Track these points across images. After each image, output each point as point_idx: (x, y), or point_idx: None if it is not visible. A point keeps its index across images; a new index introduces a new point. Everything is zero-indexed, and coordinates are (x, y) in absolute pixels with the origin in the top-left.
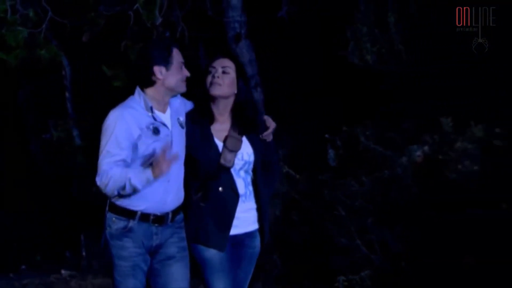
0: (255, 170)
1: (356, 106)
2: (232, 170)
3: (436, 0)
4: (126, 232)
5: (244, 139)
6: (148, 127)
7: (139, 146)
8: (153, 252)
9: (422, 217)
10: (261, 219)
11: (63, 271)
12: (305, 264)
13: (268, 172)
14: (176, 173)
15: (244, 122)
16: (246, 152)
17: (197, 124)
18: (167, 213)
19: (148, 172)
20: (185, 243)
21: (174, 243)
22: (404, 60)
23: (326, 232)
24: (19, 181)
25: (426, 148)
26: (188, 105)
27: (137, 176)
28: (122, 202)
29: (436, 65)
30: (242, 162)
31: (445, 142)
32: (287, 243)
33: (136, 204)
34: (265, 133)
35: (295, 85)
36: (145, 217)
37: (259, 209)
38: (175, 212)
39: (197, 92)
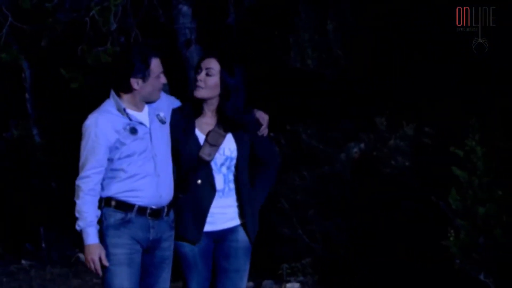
0: (237, 167)
1: (298, 107)
2: (212, 165)
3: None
4: (124, 223)
5: (229, 135)
6: (125, 128)
7: (119, 147)
8: (149, 248)
9: (359, 208)
10: (242, 215)
11: (23, 261)
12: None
13: (263, 169)
14: (164, 167)
15: (228, 122)
16: (228, 147)
17: (184, 117)
18: (163, 207)
19: (87, 239)
20: (173, 246)
21: (169, 247)
22: (342, 64)
23: (270, 223)
24: None
25: (362, 145)
26: (176, 103)
27: (82, 227)
28: (121, 197)
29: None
30: (223, 157)
31: (380, 140)
32: None
33: (134, 199)
34: (261, 130)
35: None
36: (142, 210)
37: (240, 206)
38: (170, 206)
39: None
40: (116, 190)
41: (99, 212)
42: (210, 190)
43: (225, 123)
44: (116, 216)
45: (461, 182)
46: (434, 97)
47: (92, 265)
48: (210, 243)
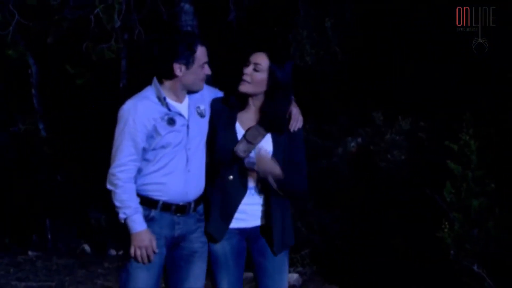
0: None
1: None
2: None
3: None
4: (147, 221)
5: (268, 136)
6: (162, 118)
7: (155, 136)
8: (174, 244)
9: (356, 201)
10: (269, 217)
11: (30, 252)
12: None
13: (290, 171)
14: (197, 162)
15: (269, 121)
16: (264, 148)
17: (227, 108)
18: (189, 203)
19: (134, 226)
20: (205, 238)
21: (198, 238)
22: (340, 60)
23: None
24: None
25: (359, 139)
26: (218, 95)
27: (128, 215)
28: (143, 192)
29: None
30: None
31: (377, 134)
32: None
33: (158, 193)
34: (291, 125)
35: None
36: (166, 207)
37: (267, 207)
38: (197, 201)
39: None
40: (143, 181)
41: (138, 200)
42: (241, 188)
43: (266, 122)
44: None
45: (455, 175)
46: (429, 93)
47: (144, 252)
48: (242, 241)
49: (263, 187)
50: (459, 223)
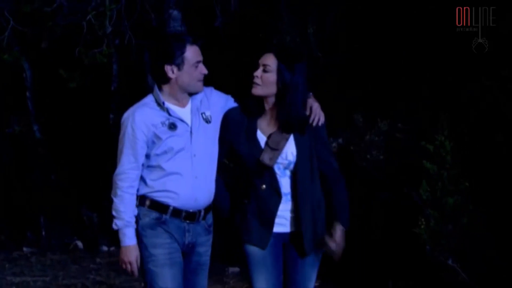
0: (296, 170)
1: None
2: (276, 169)
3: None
4: (160, 223)
5: (291, 138)
6: (163, 123)
7: (156, 142)
8: (185, 252)
9: None
10: (299, 223)
11: (24, 249)
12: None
13: (328, 186)
14: (204, 169)
15: (286, 122)
16: (291, 151)
17: (246, 116)
18: (199, 211)
19: (124, 240)
20: (210, 251)
21: (206, 252)
22: (322, 65)
23: None
24: None
25: (340, 140)
26: (230, 102)
27: (119, 227)
28: (154, 196)
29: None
30: (286, 162)
31: (356, 135)
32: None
33: (167, 200)
34: (312, 119)
35: (226, 87)
36: (177, 213)
37: (297, 212)
38: (207, 210)
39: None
40: (150, 188)
41: (136, 211)
42: (275, 195)
43: (285, 125)
44: (151, 215)
45: (431, 174)
46: (406, 96)
47: (129, 267)
48: (279, 245)
49: (293, 192)
50: (435, 220)
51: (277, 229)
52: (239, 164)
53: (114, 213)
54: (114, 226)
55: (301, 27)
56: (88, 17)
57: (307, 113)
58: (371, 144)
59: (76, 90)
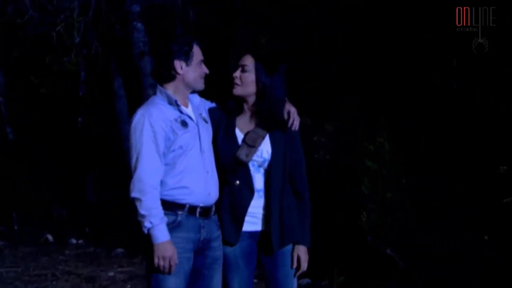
0: (270, 169)
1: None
2: (251, 166)
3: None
4: (174, 227)
5: (267, 137)
6: (176, 120)
7: (172, 138)
8: (199, 249)
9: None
10: (269, 220)
11: None
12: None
13: (292, 170)
14: (212, 165)
15: (265, 121)
16: (266, 149)
17: (225, 115)
18: (212, 205)
19: (159, 236)
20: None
21: (219, 246)
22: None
23: None
24: None
25: None
26: (208, 104)
27: (154, 224)
28: (169, 197)
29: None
30: (261, 160)
31: (305, 136)
32: None
33: (184, 197)
34: (290, 123)
35: None
36: (192, 210)
37: (267, 210)
38: (215, 205)
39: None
40: (165, 187)
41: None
42: (247, 191)
43: (263, 123)
44: (166, 219)
45: (372, 172)
46: (350, 100)
47: (168, 263)
48: (252, 244)
49: (266, 190)
50: (375, 213)
51: (248, 227)
52: (216, 159)
53: (144, 212)
54: (148, 225)
55: (255, 38)
56: (57, 28)
57: (285, 117)
58: (318, 144)
59: (47, 95)
